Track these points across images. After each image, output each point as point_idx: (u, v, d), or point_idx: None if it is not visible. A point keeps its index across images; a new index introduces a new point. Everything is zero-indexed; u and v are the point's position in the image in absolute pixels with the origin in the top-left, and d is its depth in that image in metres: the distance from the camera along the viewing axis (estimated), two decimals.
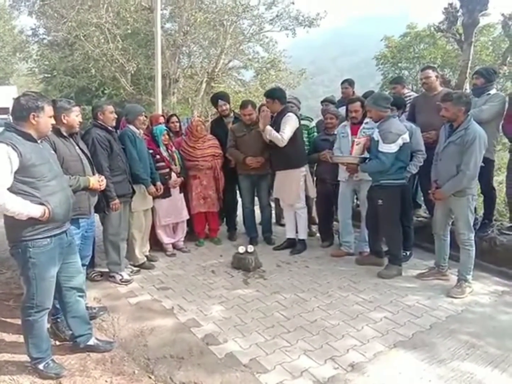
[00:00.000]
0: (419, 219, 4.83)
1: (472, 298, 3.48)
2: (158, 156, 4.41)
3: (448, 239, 3.78)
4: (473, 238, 3.54)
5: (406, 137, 3.77)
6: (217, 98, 5.12)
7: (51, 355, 2.63)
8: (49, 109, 2.47)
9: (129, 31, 14.43)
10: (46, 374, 2.55)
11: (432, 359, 2.67)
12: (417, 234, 4.43)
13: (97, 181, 3.11)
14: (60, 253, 2.54)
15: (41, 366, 2.56)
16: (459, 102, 3.37)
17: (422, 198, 4.84)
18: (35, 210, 2.33)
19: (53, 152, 2.67)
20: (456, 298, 3.47)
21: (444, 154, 3.52)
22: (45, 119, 2.44)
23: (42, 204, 2.36)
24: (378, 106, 3.80)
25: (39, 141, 2.46)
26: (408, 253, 4.29)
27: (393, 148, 3.69)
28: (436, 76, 4.39)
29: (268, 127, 4.35)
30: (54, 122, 2.57)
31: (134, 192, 3.95)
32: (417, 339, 2.89)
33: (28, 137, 2.38)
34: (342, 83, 5.63)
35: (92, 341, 2.82)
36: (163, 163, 4.43)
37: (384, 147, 3.72)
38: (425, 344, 2.83)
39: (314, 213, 5.21)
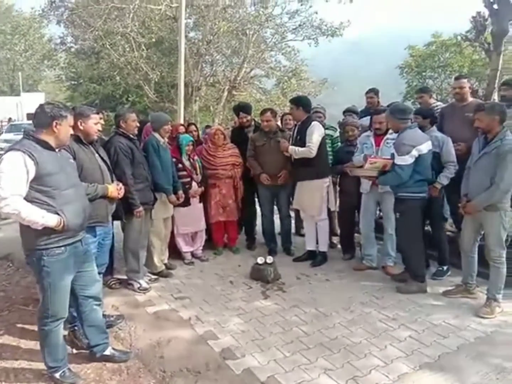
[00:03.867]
0: (446, 233, 4.64)
1: (502, 319, 3.30)
2: (180, 165, 4.42)
3: (476, 255, 3.61)
4: (504, 255, 3.37)
5: (422, 148, 3.60)
6: (238, 110, 5.12)
7: (68, 364, 2.62)
8: (71, 119, 2.49)
9: (154, 40, 14.72)
10: (62, 383, 2.53)
11: (460, 383, 2.53)
12: None
13: (115, 189, 3.08)
14: (75, 262, 2.52)
15: (57, 375, 2.54)
16: (493, 111, 3.24)
17: (449, 212, 4.68)
18: (51, 220, 2.31)
19: (72, 161, 2.64)
20: (485, 318, 3.30)
21: (477, 166, 3.37)
22: (66, 128, 2.45)
23: (57, 213, 2.34)
24: (394, 118, 3.73)
25: (56, 150, 2.45)
26: (445, 268, 4.12)
27: (407, 160, 3.57)
28: (469, 87, 4.26)
29: (291, 148, 4.31)
30: (72, 132, 2.58)
31: (156, 199, 3.93)
32: (444, 361, 2.75)
33: (45, 145, 2.37)
34: (367, 93, 5.54)
35: (108, 351, 2.80)
36: (184, 172, 4.44)
37: (398, 160, 3.62)
38: (452, 366, 2.69)
39: (336, 225, 5.10)
